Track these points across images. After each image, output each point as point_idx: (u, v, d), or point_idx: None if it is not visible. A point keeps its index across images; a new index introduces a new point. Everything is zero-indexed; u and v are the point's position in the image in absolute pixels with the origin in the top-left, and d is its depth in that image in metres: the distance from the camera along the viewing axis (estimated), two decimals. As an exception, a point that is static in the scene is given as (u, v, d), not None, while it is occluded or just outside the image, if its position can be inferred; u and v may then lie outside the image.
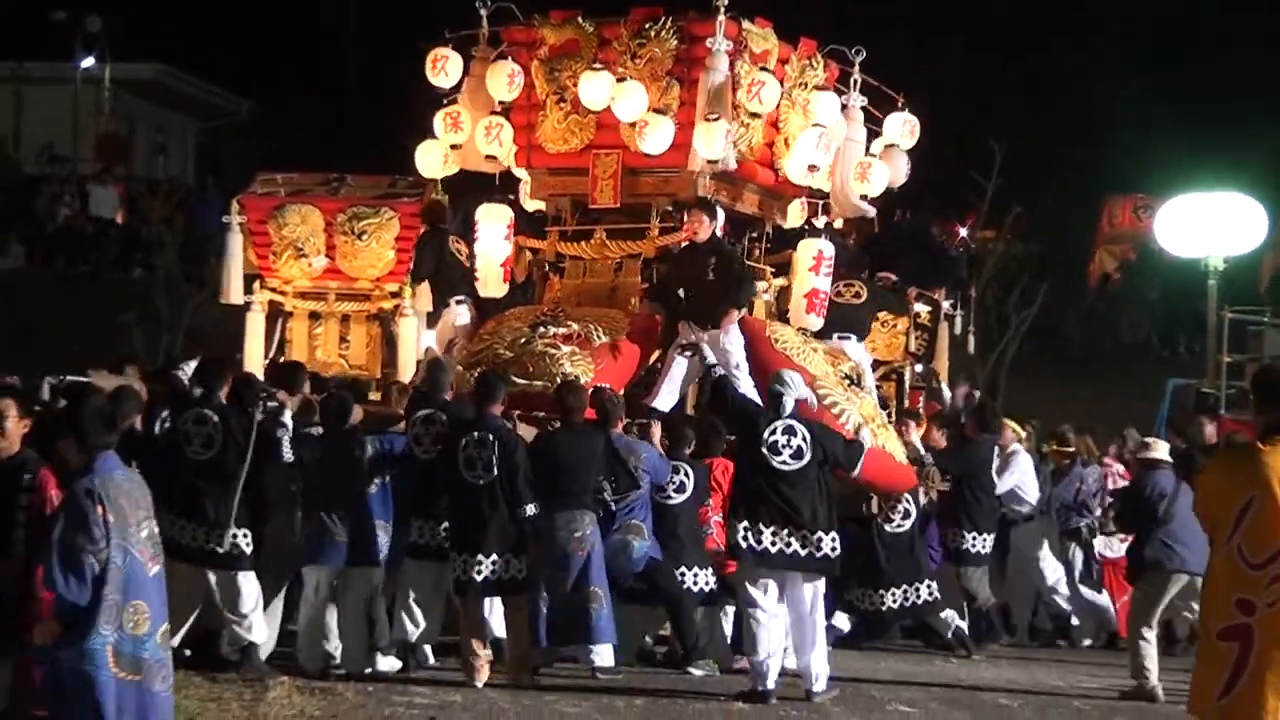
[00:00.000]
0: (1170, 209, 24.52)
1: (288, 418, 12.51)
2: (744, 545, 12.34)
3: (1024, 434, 16.82)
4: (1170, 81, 37.06)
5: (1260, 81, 35.75)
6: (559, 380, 14.04)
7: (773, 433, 12.47)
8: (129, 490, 8.45)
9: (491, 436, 12.45)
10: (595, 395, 13.50)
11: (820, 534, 12.35)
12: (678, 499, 13.48)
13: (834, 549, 12.43)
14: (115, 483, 8.39)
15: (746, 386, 14.57)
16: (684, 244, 15.11)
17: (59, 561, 8.19)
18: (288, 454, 12.40)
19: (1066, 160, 36.15)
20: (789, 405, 12.61)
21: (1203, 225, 23.47)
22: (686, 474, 13.51)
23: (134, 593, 8.35)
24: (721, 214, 15.43)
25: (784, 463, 12.39)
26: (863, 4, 35.33)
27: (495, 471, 12.37)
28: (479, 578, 12.36)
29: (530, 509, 12.38)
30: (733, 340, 14.65)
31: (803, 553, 12.33)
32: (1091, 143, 36.87)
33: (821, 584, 12.56)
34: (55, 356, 18.08)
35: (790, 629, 12.49)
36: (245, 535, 12.22)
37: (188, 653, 12.39)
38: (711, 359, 13.90)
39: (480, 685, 12.31)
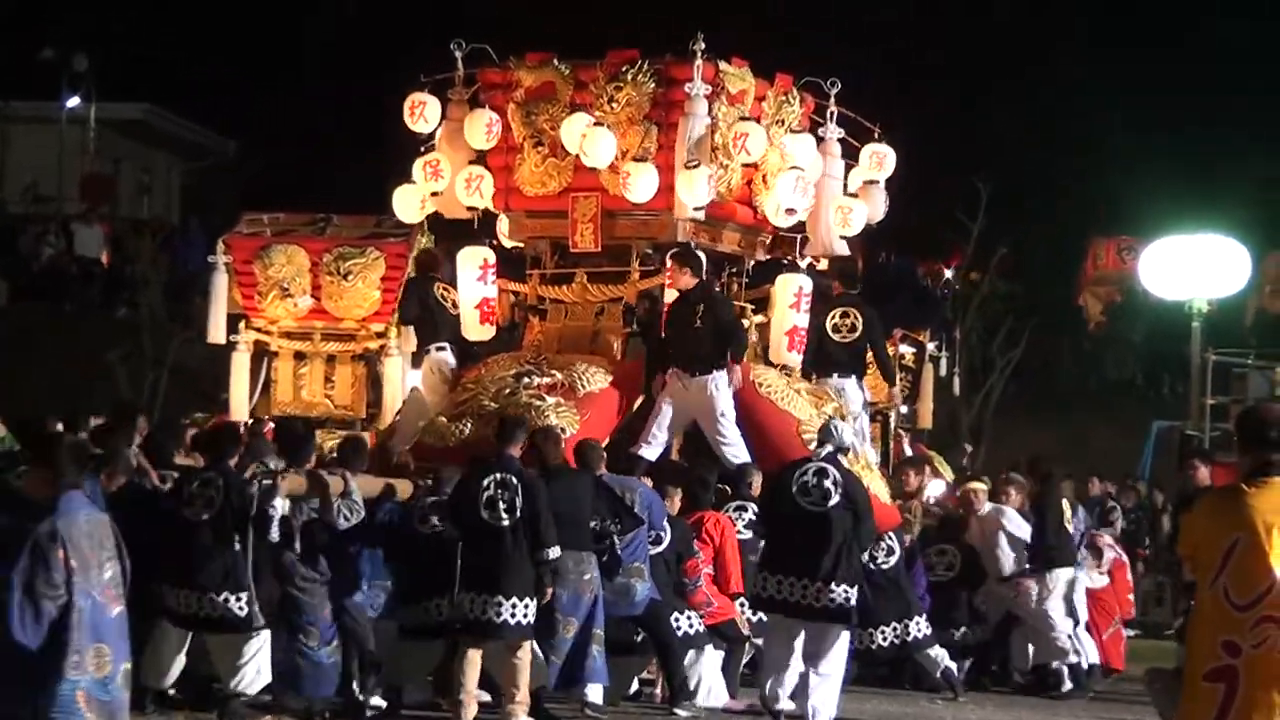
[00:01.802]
0: (1154, 251, 24.60)
1: (278, 501, 12.09)
2: (764, 596, 12.45)
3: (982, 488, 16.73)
4: (1153, 122, 37.22)
5: (1243, 123, 35.93)
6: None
7: (804, 474, 12.54)
8: (91, 532, 8.40)
9: (515, 479, 12.31)
10: (576, 444, 13.51)
11: (834, 584, 12.39)
12: (652, 550, 13.47)
13: (848, 599, 12.45)
14: (78, 524, 8.34)
15: (733, 434, 14.57)
16: (666, 292, 15.06)
17: (18, 603, 8.15)
18: (274, 535, 12.22)
19: (1050, 201, 36.27)
20: (826, 449, 12.69)
21: (1187, 267, 23.53)
22: (664, 528, 13.48)
23: (96, 636, 8.32)
24: (703, 257, 15.39)
25: (814, 504, 12.45)
26: (843, 40, 35.45)
27: (518, 514, 12.25)
28: (497, 620, 12.14)
29: (552, 553, 12.26)
30: (721, 389, 14.62)
31: (817, 604, 12.40)
32: (1076, 184, 37.01)
33: (837, 630, 12.55)
34: (40, 396, 18.09)
35: (798, 669, 12.53)
36: (239, 599, 12.00)
37: (172, 692, 12.36)
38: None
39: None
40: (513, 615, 12.17)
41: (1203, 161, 35.22)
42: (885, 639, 14.94)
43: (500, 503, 12.22)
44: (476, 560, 12.29)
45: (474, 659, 12.33)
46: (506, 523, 12.19)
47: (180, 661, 12.22)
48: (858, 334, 16.27)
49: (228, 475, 12.14)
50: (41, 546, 8.18)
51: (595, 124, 15.23)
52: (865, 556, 14.84)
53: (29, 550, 8.19)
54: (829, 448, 12.73)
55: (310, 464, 13.03)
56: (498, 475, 12.31)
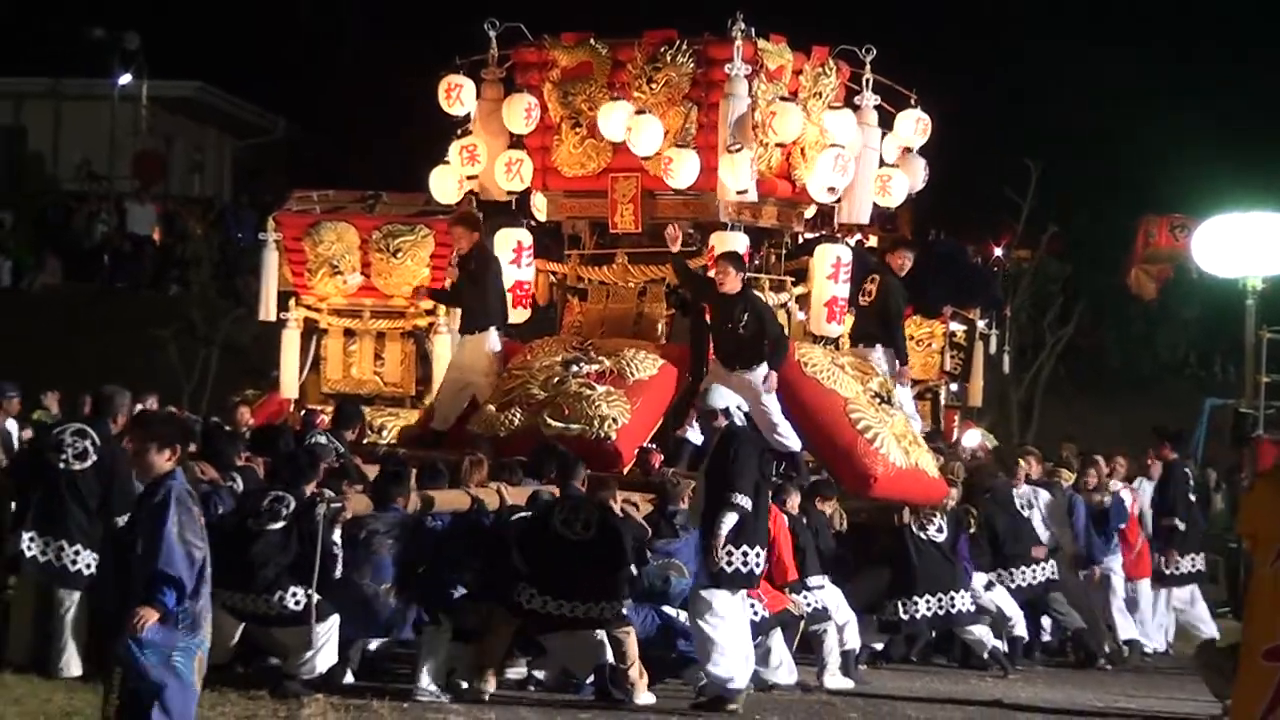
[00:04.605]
0: (1208, 229, 24.38)
1: (336, 535, 12.23)
2: (744, 570, 12.36)
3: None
4: (1207, 99, 36.99)
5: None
6: (595, 423, 14.11)
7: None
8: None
9: (579, 503, 12.55)
10: (658, 479, 13.79)
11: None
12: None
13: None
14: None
15: (780, 421, 14.60)
16: (709, 272, 14.99)
17: (175, 545, 8.15)
18: (338, 571, 12.23)
19: (1102, 179, 36.09)
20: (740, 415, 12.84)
21: (1241, 245, 23.34)
22: None
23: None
24: (742, 237, 15.31)
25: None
26: (895, 16, 35.29)
27: (592, 531, 12.38)
28: (570, 615, 12.36)
29: (633, 569, 12.52)
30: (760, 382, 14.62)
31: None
32: (1128, 162, 36.80)
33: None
34: (94, 372, 18.16)
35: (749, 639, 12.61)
36: (294, 595, 12.08)
37: (240, 669, 12.50)
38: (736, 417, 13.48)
39: (486, 698, 12.29)
40: (587, 613, 12.33)
41: (1256, 138, 34.97)
42: (929, 608, 14.90)
43: (576, 522, 12.39)
44: (547, 568, 12.38)
45: (504, 636, 12.45)
46: (579, 539, 12.34)
47: (234, 641, 12.34)
48: (872, 299, 16.19)
49: (301, 499, 12.37)
50: (183, 499, 8.25)
51: (639, 112, 15.14)
52: (916, 525, 14.93)
53: (174, 501, 8.20)
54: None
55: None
56: (568, 503, 12.58)
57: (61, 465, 12.47)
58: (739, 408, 12.90)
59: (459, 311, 15.67)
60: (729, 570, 12.25)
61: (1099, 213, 33.77)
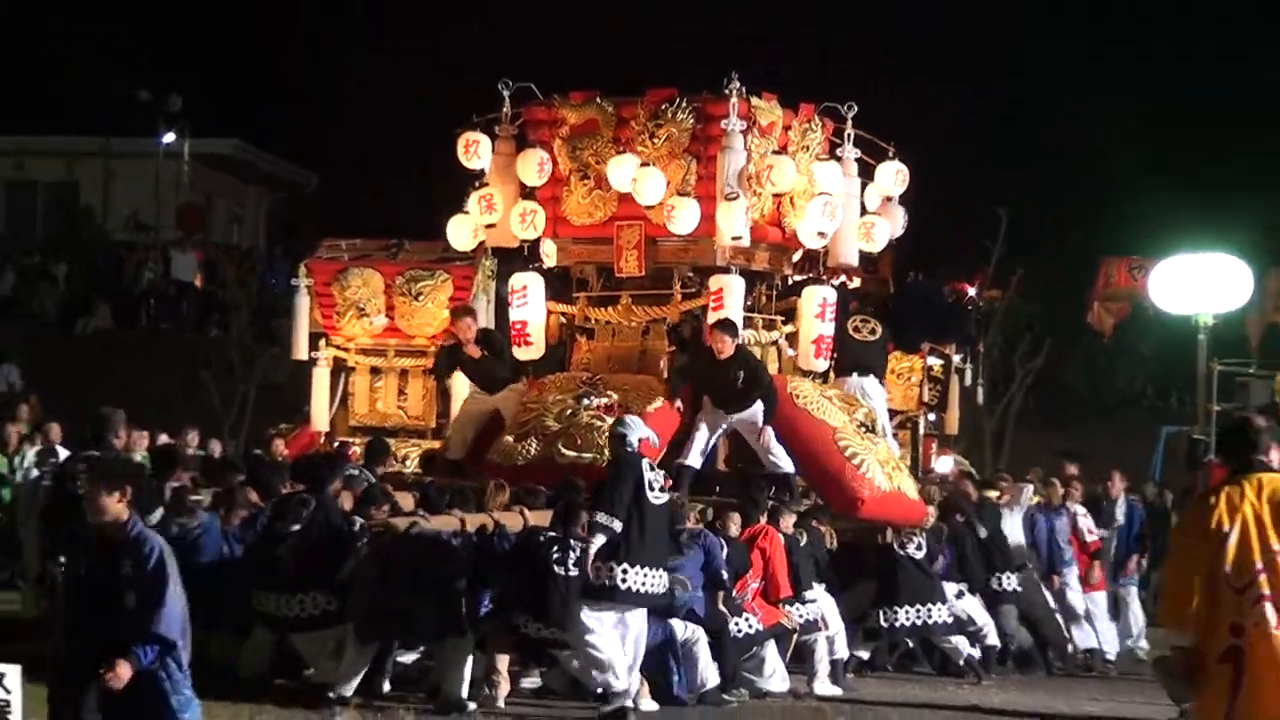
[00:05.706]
0: (1163, 269, 24.45)
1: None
2: (622, 586, 12.18)
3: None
4: (1162, 149, 37.12)
5: (1245, 151, 35.76)
6: (606, 452, 14.06)
7: (650, 469, 12.49)
8: None
9: (571, 543, 12.39)
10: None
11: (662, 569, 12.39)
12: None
13: (666, 585, 12.44)
14: None
15: (774, 445, 14.71)
16: (709, 313, 15.06)
17: (178, 611, 8.02)
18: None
19: (1066, 224, 36.19)
20: (635, 444, 12.59)
21: (1193, 284, 23.39)
22: (724, 564, 13.46)
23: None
24: (741, 280, 15.37)
25: (656, 497, 12.39)
26: (870, 74, 35.43)
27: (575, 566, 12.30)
28: (552, 639, 12.34)
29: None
30: (756, 415, 14.66)
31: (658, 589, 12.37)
32: (1089, 209, 36.93)
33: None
34: (141, 410, 18.17)
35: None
36: (314, 599, 12.19)
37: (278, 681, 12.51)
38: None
39: (502, 704, 12.28)
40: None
41: (1206, 185, 35.08)
42: (908, 618, 14.97)
43: (565, 561, 12.25)
44: (541, 598, 12.31)
45: (505, 646, 12.45)
46: (575, 574, 12.21)
47: (268, 656, 12.35)
48: (877, 337, 16.46)
49: (323, 499, 12.43)
50: (170, 556, 8.10)
51: (643, 164, 15.26)
52: (898, 543, 15.00)
53: (171, 569, 8.02)
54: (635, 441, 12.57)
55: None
56: (561, 542, 12.38)
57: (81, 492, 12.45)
58: (643, 439, 12.72)
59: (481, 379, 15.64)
60: (596, 584, 12.11)
61: (1064, 255, 33.86)
